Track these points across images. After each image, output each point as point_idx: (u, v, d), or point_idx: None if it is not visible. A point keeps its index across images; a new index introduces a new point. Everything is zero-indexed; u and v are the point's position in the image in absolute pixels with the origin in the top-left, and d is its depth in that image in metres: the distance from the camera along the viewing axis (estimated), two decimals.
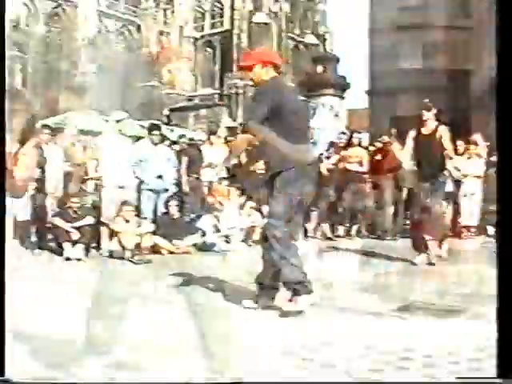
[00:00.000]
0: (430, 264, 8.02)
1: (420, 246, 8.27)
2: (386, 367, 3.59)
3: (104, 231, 9.81)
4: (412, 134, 8.41)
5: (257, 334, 4.45)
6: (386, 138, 12.35)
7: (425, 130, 8.26)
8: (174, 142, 13.03)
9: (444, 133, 8.19)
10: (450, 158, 8.55)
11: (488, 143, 13.19)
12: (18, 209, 9.04)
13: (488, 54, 27.55)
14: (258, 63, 5.24)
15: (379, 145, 12.56)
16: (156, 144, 10.64)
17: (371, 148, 12.97)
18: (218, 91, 65.55)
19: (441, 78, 33.68)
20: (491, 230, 12.34)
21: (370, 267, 8.37)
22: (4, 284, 3.76)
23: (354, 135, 12.66)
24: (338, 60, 24.59)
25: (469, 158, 12.34)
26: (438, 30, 34.22)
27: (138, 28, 65.37)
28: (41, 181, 9.83)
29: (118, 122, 10.16)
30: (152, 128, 11.19)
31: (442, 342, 4.13)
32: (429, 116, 8.22)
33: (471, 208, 12.37)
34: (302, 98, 24.96)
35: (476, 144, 12.32)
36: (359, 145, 12.48)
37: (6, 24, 4.17)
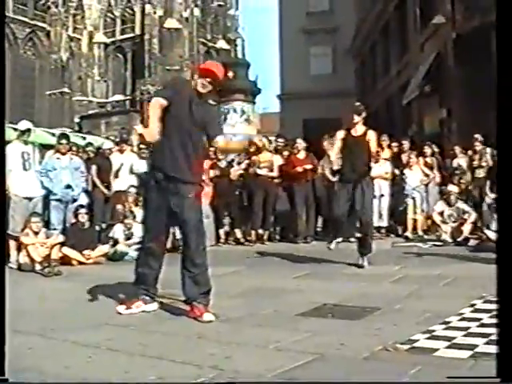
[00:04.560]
0: (358, 266, 8.19)
1: (337, 234, 8.50)
2: None
3: (12, 244, 9.59)
4: (340, 134, 8.47)
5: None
6: (299, 146, 12.45)
7: (354, 132, 8.36)
8: (83, 151, 12.86)
9: (372, 137, 8.34)
10: (376, 161, 8.76)
11: (396, 144, 13.53)
12: None
13: (395, 59, 28.24)
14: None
15: (286, 152, 12.72)
16: (64, 153, 10.51)
17: (285, 153, 12.98)
18: (130, 97, 64.95)
19: (349, 81, 34.32)
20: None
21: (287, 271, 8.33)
22: (4, 284, 3.66)
23: (263, 140, 12.77)
24: (248, 65, 24.61)
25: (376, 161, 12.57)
26: (345, 34, 34.85)
27: (47, 34, 64.12)
28: None
29: (23, 132, 9.94)
30: (60, 137, 11.04)
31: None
32: (358, 119, 8.33)
33: (381, 209, 12.59)
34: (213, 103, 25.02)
35: (382, 147, 12.54)
36: (269, 149, 12.58)
37: None
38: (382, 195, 12.62)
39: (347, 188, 8.31)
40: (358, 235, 8.54)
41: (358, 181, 8.22)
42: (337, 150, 8.57)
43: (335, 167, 8.96)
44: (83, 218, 10.15)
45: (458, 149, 13.29)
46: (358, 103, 8.84)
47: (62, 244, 9.59)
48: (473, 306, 5.08)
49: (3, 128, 4.18)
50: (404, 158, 13.13)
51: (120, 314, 5.37)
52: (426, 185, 12.83)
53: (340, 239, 8.55)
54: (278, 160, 12.43)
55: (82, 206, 10.36)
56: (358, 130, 8.37)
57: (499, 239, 3.34)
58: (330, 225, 9.69)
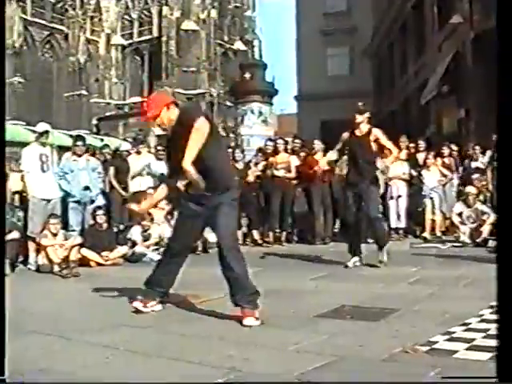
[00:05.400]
0: (373, 266, 8.16)
1: (355, 250, 8.39)
2: None
3: (31, 245, 9.65)
4: (345, 135, 8.39)
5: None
6: (316, 146, 12.40)
7: (358, 132, 8.26)
8: (100, 152, 12.91)
9: (379, 134, 8.24)
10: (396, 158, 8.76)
11: (413, 144, 13.45)
12: None
13: (412, 59, 28.11)
14: (163, 108, 5.28)
15: (302, 153, 12.68)
16: (80, 155, 10.54)
17: (302, 154, 12.91)
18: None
19: (367, 81, 34.21)
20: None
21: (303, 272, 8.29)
22: (4, 285, 3.65)
23: (280, 141, 12.75)
24: (265, 66, 24.64)
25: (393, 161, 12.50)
26: (363, 35, 34.76)
27: (65, 37, 64.36)
28: None
29: (41, 134, 9.98)
30: (77, 139, 11.08)
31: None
32: (361, 119, 8.23)
33: (398, 210, 12.52)
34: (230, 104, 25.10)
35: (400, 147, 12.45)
36: (286, 150, 12.55)
37: None
38: (400, 196, 12.54)
39: (353, 191, 8.29)
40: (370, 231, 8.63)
41: (362, 181, 8.18)
42: (335, 151, 8.73)
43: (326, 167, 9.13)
44: (101, 219, 10.18)
45: (477, 149, 13.19)
46: (360, 103, 8.74)
47: (81, 245, 9.62)
48: (492, 307, 5.01)
49: (3, 128, 4.18)
50: (420, 158, 13.05)
51: (137, 309, 5.38)
52: (444, 185, 12.75)
53: (358, 260, 8.38)
54: (295, 161, 12.40)
55: (99, 208, 10.39)
56: (362, 129, 8.28)
57: (499, 239, 3.30)
58: (346, 235, 9.57)
